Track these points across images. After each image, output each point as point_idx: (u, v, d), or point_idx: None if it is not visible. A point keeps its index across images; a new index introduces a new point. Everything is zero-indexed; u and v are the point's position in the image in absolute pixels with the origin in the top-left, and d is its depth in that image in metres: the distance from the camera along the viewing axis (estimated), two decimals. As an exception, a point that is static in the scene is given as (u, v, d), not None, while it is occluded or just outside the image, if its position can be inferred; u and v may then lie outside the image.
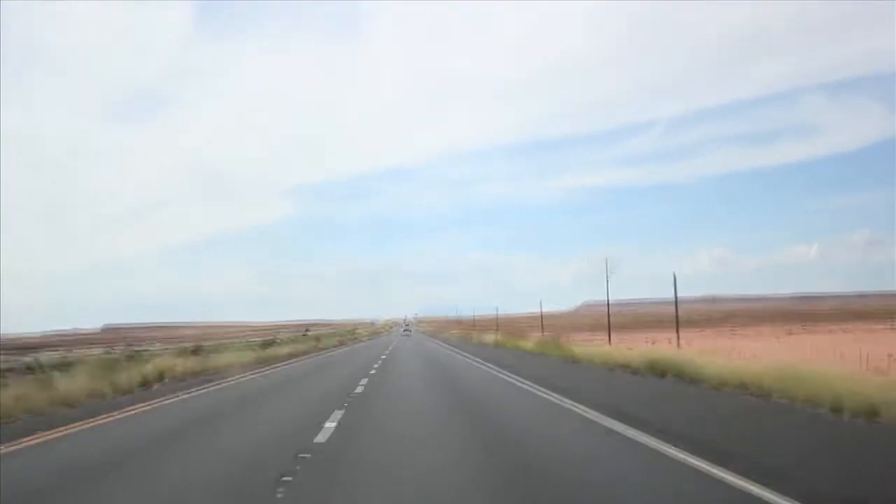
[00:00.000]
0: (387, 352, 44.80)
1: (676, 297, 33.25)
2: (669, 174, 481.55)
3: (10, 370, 20.54)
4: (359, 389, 17.80)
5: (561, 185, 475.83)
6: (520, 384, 18.30)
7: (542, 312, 65.89)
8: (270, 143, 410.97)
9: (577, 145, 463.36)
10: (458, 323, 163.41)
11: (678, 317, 34.30)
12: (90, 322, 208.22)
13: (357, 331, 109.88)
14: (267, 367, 30.80)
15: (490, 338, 58.05)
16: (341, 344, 69.30)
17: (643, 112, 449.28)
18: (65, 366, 20.83)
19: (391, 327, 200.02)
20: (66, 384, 16.09)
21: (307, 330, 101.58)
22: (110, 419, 13.08)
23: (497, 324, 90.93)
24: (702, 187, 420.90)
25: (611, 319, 41.87)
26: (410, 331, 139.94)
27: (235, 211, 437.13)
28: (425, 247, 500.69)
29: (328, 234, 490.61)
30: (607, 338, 41.14)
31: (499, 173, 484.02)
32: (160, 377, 21.20)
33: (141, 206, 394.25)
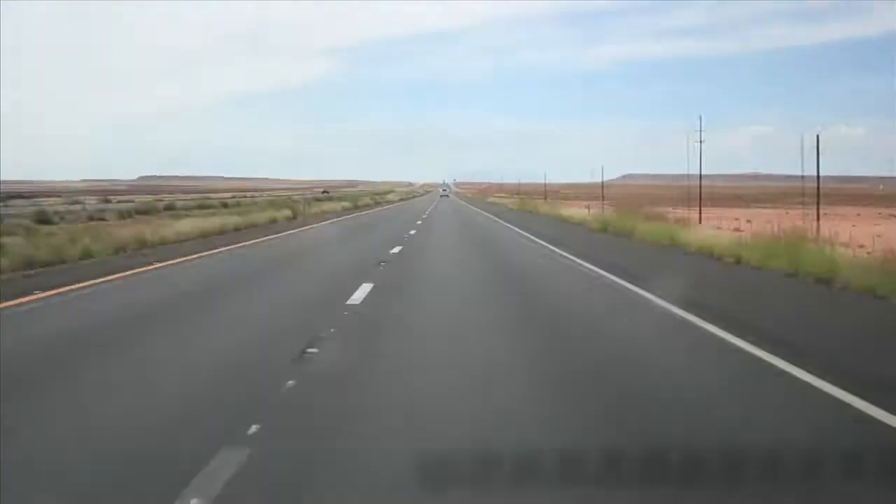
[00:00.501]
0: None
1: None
2: (714, 48, 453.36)
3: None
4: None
5: (605, 54, 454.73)
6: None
7: (602, 181, 60.85)
8: (309, 1, 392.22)
9: (622, 14, 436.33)
10: (500, 188, 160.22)
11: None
12: (127, 172, 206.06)
13: (388, 195, 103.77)
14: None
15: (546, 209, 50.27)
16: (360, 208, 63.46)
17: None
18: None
19: (429, 191, 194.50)
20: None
21: (325, 191, 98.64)
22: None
23: (545, 192, 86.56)
24: (747, 62, 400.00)
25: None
26: (448, 194, 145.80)
27: (273, 69, 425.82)
28: (464, 113, 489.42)
29: (365, 96, 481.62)
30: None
31: (541, 40, 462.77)
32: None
33: (181, 59, 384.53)
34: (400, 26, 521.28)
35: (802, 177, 32.62)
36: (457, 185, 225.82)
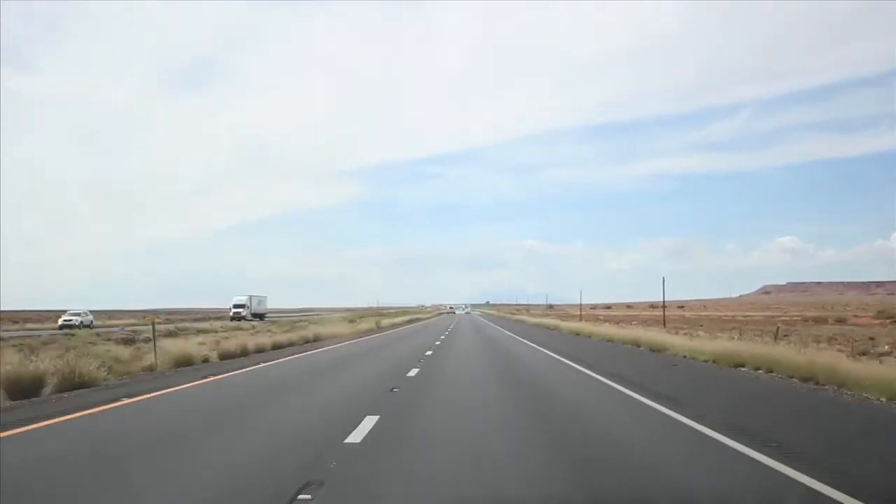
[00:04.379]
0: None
1: None
2: (739, 162, 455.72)
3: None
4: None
5: (631, 172, 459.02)
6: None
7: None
8: (329, 124, 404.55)
9: (645, 131, 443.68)
10: (528, 310, 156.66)
11: None
12: (131, 303, 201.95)
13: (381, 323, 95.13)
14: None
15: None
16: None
17: (719, 97, 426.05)
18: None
19: (440, 313, 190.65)
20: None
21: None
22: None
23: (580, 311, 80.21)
24: (776, 176, 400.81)
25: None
26: (468, 312, 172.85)
27: (290, 192, 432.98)
28: (483, 232, 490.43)
29: (382, 218, 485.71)
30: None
31: (567, 157, 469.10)
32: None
33: (195, 187, 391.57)
34: (421, 146, 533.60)
35: None
36: (489, 306, 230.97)
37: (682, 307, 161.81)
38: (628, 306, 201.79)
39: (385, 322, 76.65)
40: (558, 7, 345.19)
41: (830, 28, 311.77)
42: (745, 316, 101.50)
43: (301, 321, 72.75)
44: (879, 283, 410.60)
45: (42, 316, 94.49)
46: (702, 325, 58.33)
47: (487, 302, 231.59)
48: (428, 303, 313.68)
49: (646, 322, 63.06)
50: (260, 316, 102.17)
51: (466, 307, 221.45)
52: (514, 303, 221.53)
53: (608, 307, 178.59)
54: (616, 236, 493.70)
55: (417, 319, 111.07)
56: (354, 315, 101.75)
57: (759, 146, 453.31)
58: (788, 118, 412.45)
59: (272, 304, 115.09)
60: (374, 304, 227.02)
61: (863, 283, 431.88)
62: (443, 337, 41.93)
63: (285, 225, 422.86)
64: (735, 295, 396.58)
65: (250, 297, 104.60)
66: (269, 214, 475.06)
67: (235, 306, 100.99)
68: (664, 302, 49.29)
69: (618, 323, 65.15)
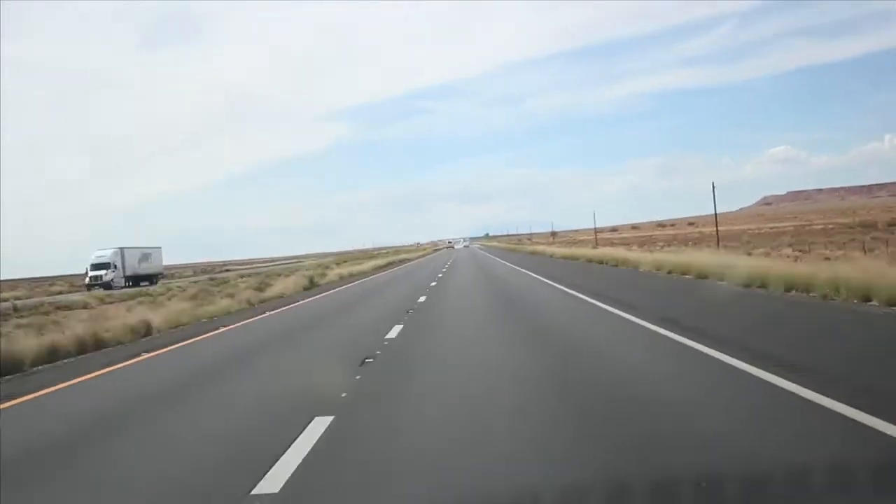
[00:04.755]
0: None
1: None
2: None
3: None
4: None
5: (617, 92, 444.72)
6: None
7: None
8: (307, 66, 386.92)
9: (627, 51, 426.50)
10: (530, 239, 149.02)
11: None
12: None
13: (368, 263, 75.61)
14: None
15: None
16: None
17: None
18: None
19: (437, 249, 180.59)
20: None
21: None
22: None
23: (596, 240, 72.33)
24: (762, 87, 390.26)
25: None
26: (468, 245, 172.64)
27: (274, 140, 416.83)
28: (474, 165, 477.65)
29: (370, 159, 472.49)
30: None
31: (551, 83, 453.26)
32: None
33: (179, 141, 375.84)
34: (406, 82, 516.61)
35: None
36: (489, 238, 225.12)
37: (693, 223, 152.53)
38: (633, 227, 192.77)
39: (356, 269, 56.94)
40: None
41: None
42: (772, 227, 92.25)
43: (249, 276, 56.00)
44: (881, 186, 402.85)
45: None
46: (749, 242, 48.78)
47: (487, 234, 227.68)
48: (425, 239, 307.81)
49: (681, 242, 53.08)
50: (146, 278, 68.49)
51: (465, 241, 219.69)
52: (514, 233, 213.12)
53: (614, 229, 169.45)
54: (607, 158, 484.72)
55: (406, 260, 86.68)
56: (338, 259, 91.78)
57: (742, 57, 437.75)
58: (771, 28, 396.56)
59: (272, 252, 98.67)
60: (370, 246, 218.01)
61: (863, 186, 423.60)
62: (433, 284, 30.23)
63: (273, 174, 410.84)
64: (735, 208, 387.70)
65: (120, 249, 67.94)
66: (255, 165, 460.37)
67: (94, 267, 66.07)
68: (716, 216, 39.49)
69: (642, 245, 55.48)
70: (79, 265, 77.49)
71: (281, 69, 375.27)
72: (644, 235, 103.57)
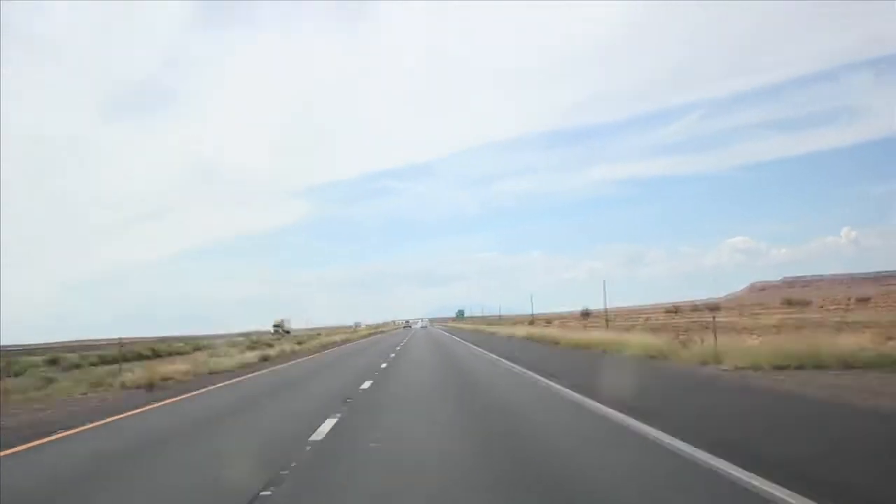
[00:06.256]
0: None
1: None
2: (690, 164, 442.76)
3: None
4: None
5: (586, 178, 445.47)
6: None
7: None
8: (277, 142, 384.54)
9: (598, 137, 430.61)
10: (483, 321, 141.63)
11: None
12: (82, 333, 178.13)
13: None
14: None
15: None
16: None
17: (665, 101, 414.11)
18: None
19: (376, 332, 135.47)
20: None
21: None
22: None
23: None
24: (728, 178, 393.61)
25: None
26: (427, 327, 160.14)
27: (239, 215, 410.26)
28: (438, 247, 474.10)
29: (334, 237, 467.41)
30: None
31: (523, 167, 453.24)
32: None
33: (141, 212, 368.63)
34: (374, 161, 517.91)
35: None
36: (460, 319, 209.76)
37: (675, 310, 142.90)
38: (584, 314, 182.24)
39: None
40: (505, 12, 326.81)
41: (777, 27, 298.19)
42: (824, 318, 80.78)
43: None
44: (892, 275, 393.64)
45: None
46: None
47: (460, 313, 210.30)
48: (381, 319, 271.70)
49: (701, 328, 42.27)
50: None
51: (424, 321, 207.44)
52: (477, 315, 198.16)
53: (587, 313, 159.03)
54: (574, 244, 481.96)
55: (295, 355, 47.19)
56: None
57: (712, 147, 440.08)
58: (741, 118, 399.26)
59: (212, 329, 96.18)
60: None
61: (872, 274, 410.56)
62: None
63: (237, 248, 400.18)
64: (723, 294, 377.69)
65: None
66: (219, 238, 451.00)
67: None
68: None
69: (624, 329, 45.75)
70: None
71: (250, 145, 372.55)
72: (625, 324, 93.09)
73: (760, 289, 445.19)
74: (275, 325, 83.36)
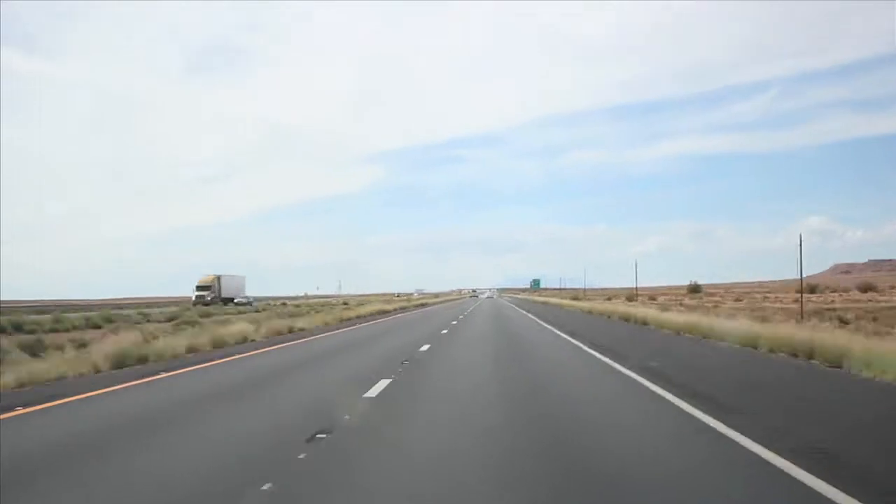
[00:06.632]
0: None
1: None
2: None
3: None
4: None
5: (657, 152, 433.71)
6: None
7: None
8: (350, 108, 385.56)
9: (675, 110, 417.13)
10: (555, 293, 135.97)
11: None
12: (150, 291, 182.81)
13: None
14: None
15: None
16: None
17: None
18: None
19: (423, 304, 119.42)
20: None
21: None
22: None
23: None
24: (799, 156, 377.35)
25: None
26: (493, 297, 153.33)
27: (311, 179, 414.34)
28: (505, 215, 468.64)
29: (403, 204, 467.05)
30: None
31: (592, 139, 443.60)
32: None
33: (214, 173, 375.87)
34: (445, 129, 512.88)
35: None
36: (532, 290, 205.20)
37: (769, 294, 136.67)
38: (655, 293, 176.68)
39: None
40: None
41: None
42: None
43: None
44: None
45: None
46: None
47: (534, 283, 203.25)
48: (448, 288, 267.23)
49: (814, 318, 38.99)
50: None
51: (492, 291, 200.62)
52: (554, 287, 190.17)
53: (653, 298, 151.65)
54: (643, 218, 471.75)
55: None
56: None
57: (785, 125, 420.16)
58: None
59: (287, 290, 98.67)
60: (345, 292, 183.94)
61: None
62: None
63: (304, 212, 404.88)
64: (804, 276, 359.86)
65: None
66: (288, 201, 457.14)
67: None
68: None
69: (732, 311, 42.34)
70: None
71: (321, 107, 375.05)
72: (713, 302, 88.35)
73: (844, 271, 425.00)
74: (198, 287, 76.76)
